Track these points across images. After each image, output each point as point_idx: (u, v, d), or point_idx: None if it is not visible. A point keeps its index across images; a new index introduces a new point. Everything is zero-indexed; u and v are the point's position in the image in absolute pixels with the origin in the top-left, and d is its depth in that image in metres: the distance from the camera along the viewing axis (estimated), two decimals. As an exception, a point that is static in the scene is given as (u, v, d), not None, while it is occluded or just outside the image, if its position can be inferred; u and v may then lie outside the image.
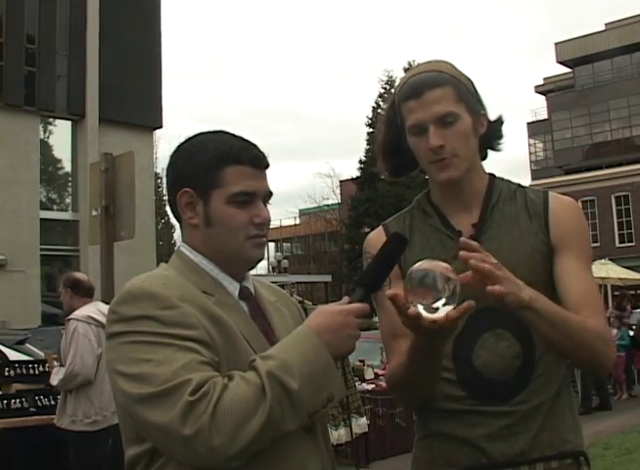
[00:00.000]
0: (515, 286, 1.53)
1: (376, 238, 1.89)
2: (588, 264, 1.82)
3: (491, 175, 1.92)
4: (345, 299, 1.50)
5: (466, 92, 1.80)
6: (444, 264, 1.46)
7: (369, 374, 9.42)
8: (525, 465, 1.74)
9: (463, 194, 1.84)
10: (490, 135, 1.88)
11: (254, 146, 1.61)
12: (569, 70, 43.17)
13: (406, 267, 1.78)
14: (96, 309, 5.19)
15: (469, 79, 1.85)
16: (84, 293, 5.38)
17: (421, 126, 1.76)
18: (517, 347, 1.75)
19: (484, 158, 1.93)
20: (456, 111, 1.76)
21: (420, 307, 1.45)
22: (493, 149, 1.93)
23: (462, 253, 1.50)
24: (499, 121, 1.90)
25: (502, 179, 1.92)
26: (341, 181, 44.51)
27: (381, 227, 1.96)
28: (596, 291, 1.81)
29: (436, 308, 1.44)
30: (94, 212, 6.54)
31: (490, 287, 1.49)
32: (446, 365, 1.78)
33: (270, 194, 1.62)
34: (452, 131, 1.75)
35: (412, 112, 1.77)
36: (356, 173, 39.34)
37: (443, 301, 1.44)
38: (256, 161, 1.59)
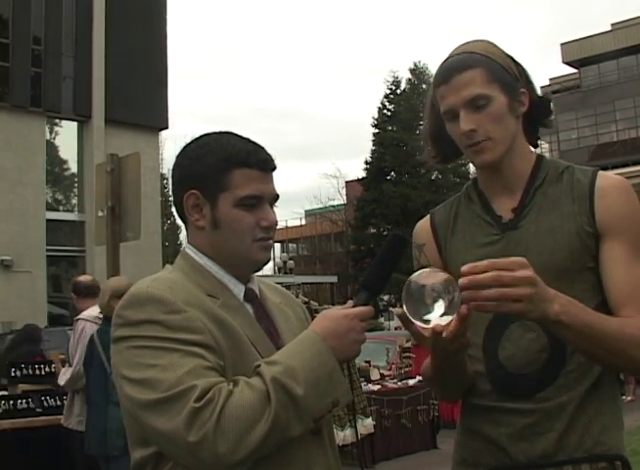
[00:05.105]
0: (539, 301, 1.41)
1: (422, 226, 1.89)
2: (639, 253, 1.65)
3: (539, 156, 1.81)
4: (350, 303, 1.49)
5: (500, 71, 1.70)
6: (444, 275, 1.42)
7: (375, 375, 9.42)
8: (550, 468, 1.63)
9: (505, 177, 1.76)
10: (537, 112, 1.78)
11: (262, 148, 1.60)
12: (574, 70, 43.06)
13: (447, 255, 1.81)
14: (103, 310, 5.20)
15: (508, 57, 1.76)
16: (84, 293, 5.46)
17: (453, 112, 1.71)
18: (544, 340, 1.64)
19: (535, 135, 1.84)
20: (487, 92, 1.68)
21: (418, 322, 1.42)
22: (544, 126, 1.83)
23: (464, 293, 1.38)
24: (546, 98, 1.81)
25: (553, 160, 1.82)
26: (346, 182, 44.45)
27: (428, 216, 1.91)
28: None
29: (428, 321, 1.41)
30: (100, 213, 6.55)
31: (507, 307, 1.40)
32: (477, 356, 1.72)
33: (277, 197, 1.61)
34: (484, 114, 1.68)
35: (444, 98, 1.72)
36: (362, 174, 39.27)
37: (441, 312, 1.40)
38: (264, 164, 1.58)
